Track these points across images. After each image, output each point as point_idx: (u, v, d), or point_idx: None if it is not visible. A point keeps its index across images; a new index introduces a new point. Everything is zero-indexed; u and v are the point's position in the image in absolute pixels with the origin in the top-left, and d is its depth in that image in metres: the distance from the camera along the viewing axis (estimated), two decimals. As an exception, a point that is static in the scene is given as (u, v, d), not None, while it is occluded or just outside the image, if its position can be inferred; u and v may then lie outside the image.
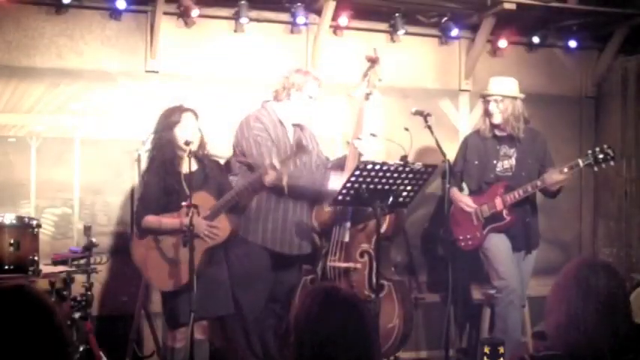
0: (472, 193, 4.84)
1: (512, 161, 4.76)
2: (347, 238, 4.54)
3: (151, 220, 4.01)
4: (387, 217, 4.54)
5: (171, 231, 3.98)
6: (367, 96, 4.70)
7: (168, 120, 4.10)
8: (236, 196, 4.01)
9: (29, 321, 1.79)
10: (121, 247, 4.72)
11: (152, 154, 4.16)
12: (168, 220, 4.00)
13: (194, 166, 3.99)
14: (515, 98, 4.74)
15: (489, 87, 4.80)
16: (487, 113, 4.77)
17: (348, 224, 4.56)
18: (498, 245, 4.70)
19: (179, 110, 4.13)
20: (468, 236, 4.72)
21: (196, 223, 3.83)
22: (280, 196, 4.29)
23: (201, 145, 4.15)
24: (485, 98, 4.80)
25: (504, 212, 4.65)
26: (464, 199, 4.81)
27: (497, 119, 4.73)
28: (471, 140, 4.94)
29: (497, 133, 4.79)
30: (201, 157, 4.15)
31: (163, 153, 4.07)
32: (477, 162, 4.81)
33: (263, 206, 4.34)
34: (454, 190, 4.82)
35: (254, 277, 4.34)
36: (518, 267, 4.75)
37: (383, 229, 4.54)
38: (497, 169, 4.77)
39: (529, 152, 4.77)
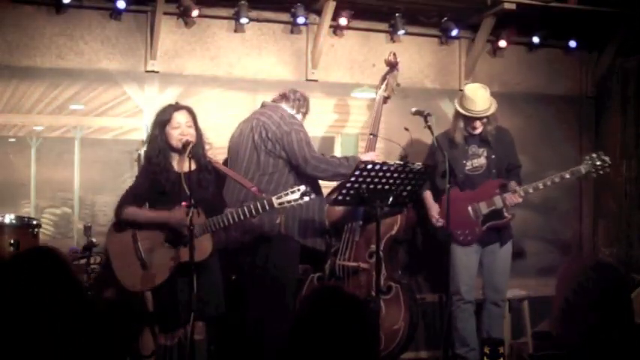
0: (462, 188, 4.79)
1: (482, 160, 4.79)
2: (358, 238, 4.56)
3: (132, 211, 3.97)
4: (399, 219, 4.55)
5: (155, 224, 3.91)
6: (385, 99, 4.78)
7: (160, 118, 4.07)
8: (238, 218, 3.90)
9: (49, 280, 1.83)
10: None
11: (145, 153, 4.17)
12: (154, 213, 3.95)
13: (191, 166, 3.92)
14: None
15: (476, 107, 4.68)
16: (472, 128, 4.75)
17: (360, 224, 4.57)
18: (463, 261, 4.75)
19: (171, 108, 4.08)
20: (467, 231, 4.72)
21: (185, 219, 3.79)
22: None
23: (199, 145, 4.08)
24: (473, 117, 4.71)
25: (504, 211, 4.67)
26: (432, 211, 4.80)
27: (479, 130, 4.77)
28: (440, 140, 4.81)
29: (467, 133, 4.82)
30: (199, 158, 4.06)
31: (154, 151, 4.04)
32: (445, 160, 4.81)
33: (298, 211, 4.32)
34: (427, 195, 4.84)
35: (293, 269, 4.36)
36: (492, 262, 4.79)
37: (393, 231, 4.57)
38: (467, 168, 4.79)
39: (498, 150, 4.81)
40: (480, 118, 4.72)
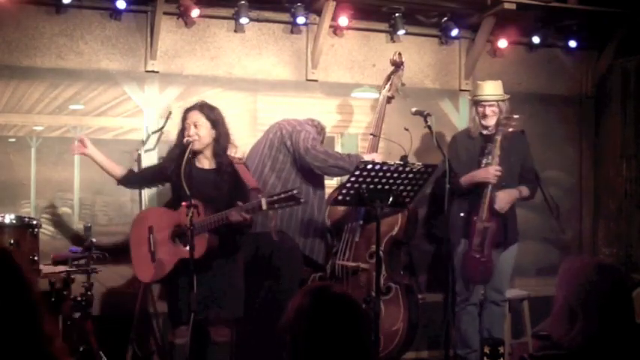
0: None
1: (495, 159, 4.77)
2: (358, 238, 4.56)
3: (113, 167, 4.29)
4: (399, 219, 4.55)
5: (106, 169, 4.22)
6: (389, 99, 4.79)
7: (182, 119, 4.13)
8: (228, 218, 3.84)
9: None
10: (121, 247, 4.70)
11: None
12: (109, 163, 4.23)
13: (211, 165, 4.03)
14: (504, 100, 4.83)
15: (484, 92, 4.82)
16: (483, 116, 4.81)
17: (360, 224, 4.57)
18: None
19: (187, 109, 4.12)
20: (483, 269, 4.72)
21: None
22: (317, 194, 4.39)
23: (220, 145, 4.05)
24: (480, 103, 4.82)
25: (485, 225, 4.65)
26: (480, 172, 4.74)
27: (491, 121, 4.79)
28: (459, 138, 5.00)
29: (484, 132, 4.84)
30: (218, 158, 4.04)
31: (175, 150, 4.10)
32: (464, 158, 4.85)
33: (301, 211, 4.36)
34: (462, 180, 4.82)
35: (297, 270, 4.42)
36: (495, 262, 4.76)
37: (394, 231, 4.56)
38: (482, 166, 4.78)
39: (511, 151, 4.81)
40: (489, 104, 4.75)
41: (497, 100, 4.78)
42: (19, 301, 1.83)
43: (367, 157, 4.38)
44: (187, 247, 3.70)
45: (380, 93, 4.85)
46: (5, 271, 1.84)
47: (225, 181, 4.03)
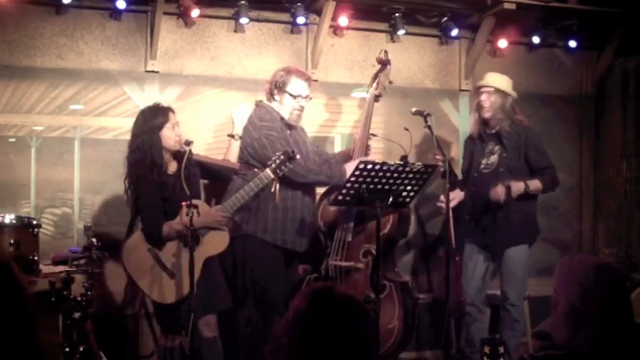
0: (474, 186, 4.82)
1: (495, 158, 4.74)
2: (350, 238, 4.54)
3: (167, 227, 3.90)
4: (390, 218, 4.53)
5: (178, 234, 3.89)
6: (377, 98, 4.75)
7: (154, 121, 3.94)
8: (248, 195, 4.00)
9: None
10: (121, 247, 4.70)
11: (136, 159, 3.93)
12: (175, 224, 3.91)
13: (175, 167, 3.99)
14: (507, 95, 4.74)
15: (484, 79, 4.83)
16: (478, 105, 4.79)
17: (352, 224, 4.55)
18: (470, 268, 4.81)
19: (164, 110, 4.00)
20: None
21: (210, 214, 3.88)
22: (291, 191, 4.33)
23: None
24: (478, 90, 4.82)
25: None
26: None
27: (486, 112, 4.72)
28: (464, 143, 5.05)
29: (487, 130, 4.80)
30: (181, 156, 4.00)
31: (151, 156, 3.90)
32: (468, 161, 4.88)
33: (277, 204, 4.30)
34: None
35: (276, 276, 4.34)
36: (501, 267, 4.77)
37: (386, 229, 4.54)
38: (481, 166, 4.79)
39: (512, 148, 4.71)
40: (485, 89, 4.71)
41: (492, 87, 4.69)
42: (17, 314, 1.84)
43: (351, 165, 4.28)
44: (209, 245, 3.84)
45: (367, 92, 4.81)
46: (4, 284, 1.85)
47: (196, 175, 4.10)
